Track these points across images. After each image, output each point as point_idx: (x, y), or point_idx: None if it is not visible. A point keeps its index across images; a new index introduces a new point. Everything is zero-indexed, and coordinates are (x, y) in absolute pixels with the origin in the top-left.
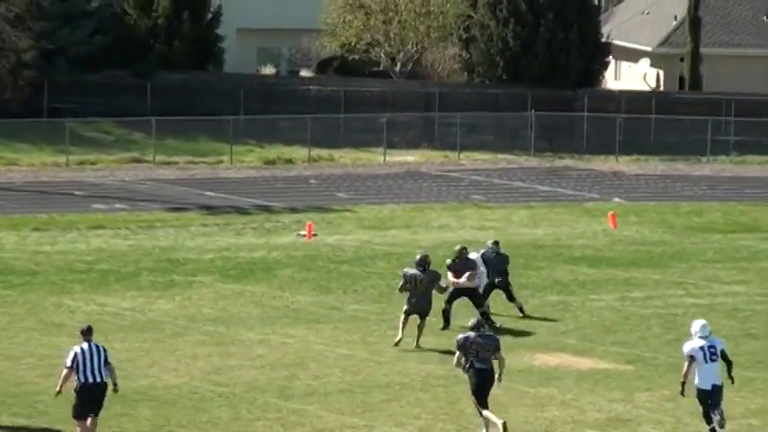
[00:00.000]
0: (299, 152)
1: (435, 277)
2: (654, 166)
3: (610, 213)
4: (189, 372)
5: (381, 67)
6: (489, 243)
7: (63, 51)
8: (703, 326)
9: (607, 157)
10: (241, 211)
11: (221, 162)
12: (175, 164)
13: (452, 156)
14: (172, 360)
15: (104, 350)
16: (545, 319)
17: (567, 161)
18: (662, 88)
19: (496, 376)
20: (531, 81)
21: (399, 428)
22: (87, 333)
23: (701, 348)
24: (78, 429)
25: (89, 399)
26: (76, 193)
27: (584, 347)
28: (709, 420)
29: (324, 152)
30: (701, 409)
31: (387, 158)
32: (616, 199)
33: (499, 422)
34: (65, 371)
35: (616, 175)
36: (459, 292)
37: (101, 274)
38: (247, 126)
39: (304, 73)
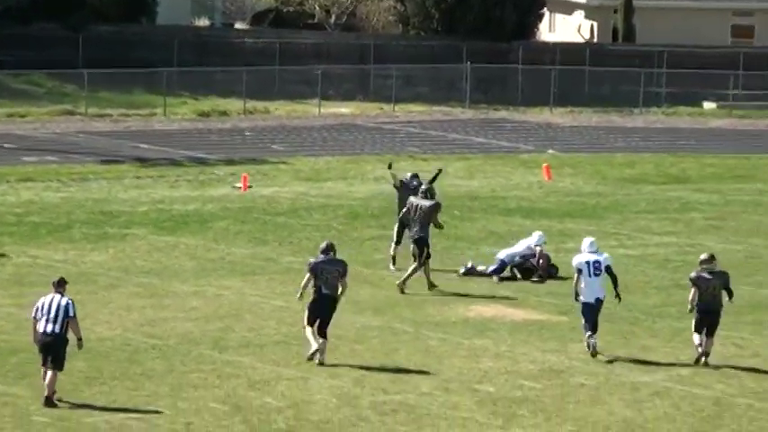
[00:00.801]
0: (234, 104)
1: (436, 207)
2: (588, 117)
3: (544, 165)
4: (122, 324)
5: (316, 20)
6: (408, 176)
7: None
8: (591, 242)
9: (542, 109)
10: (175, 163)
11: (155, 114)
12: (108, 116)
13: (387, 108)
14: (105, 312)
15: (70, 303)
16: (479, 271)
17: (502, 113)
18: (596, 40)
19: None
20: (466, 33)
21: (335, 380)
22: (57, 285)
23: (587, 263)
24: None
25: (41, 348)
26: (6, 145)
27: (518, 299)
28: (588, 329)
29: (259, 104)
30: (582, 318)
31: (322, 110)
32: (550, 150)
33: (313, 347)
34: (32, 321)
35: (550, 127)
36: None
37: (31, 226)
38: (181, 78)
39: (239, 25)
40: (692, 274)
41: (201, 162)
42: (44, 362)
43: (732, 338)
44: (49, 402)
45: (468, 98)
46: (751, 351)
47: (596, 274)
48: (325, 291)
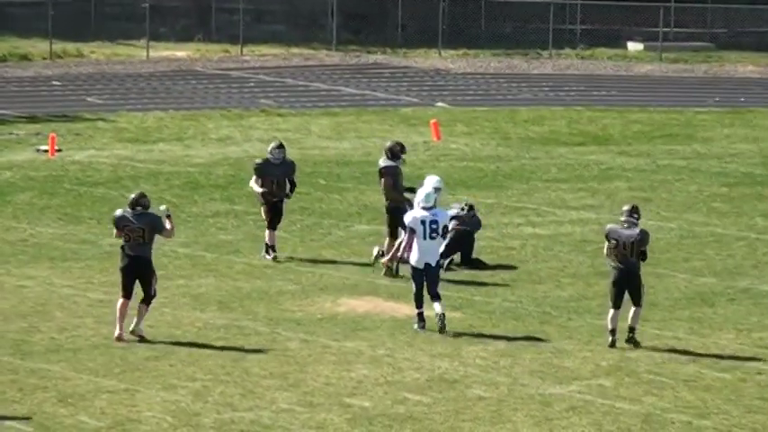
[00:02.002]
0: (39, 46)
1: (383, 171)
2: (485, 62)
3: (432, 121)
4: None
5: None
6: (270, 146)
7: None
8: (428, 194)
9: (428, 52)
10: None
11: None
12: None
13: (234, 50)
14: None
15: None
16: (353, 255)
17: (379, 56)
18: None
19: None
20: None
21: (169, 393)
22: None
23: (423, 221)
24: None
25: None
26: None
27: (400, 290)
28: (419, 304)
29: (70, 46)
30: (413, 287)
31: (151, 54)
32: (439, 103)
33: (116, 332)
34: None
35: (439, 74)
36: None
37: None
38: None
39: None
40: (607, 227)
41: None
42: None
43: (665, 339)
44: None
45: (335, 38)
46: (688, 355)
47: (432, 237)
48: (128, 251)
